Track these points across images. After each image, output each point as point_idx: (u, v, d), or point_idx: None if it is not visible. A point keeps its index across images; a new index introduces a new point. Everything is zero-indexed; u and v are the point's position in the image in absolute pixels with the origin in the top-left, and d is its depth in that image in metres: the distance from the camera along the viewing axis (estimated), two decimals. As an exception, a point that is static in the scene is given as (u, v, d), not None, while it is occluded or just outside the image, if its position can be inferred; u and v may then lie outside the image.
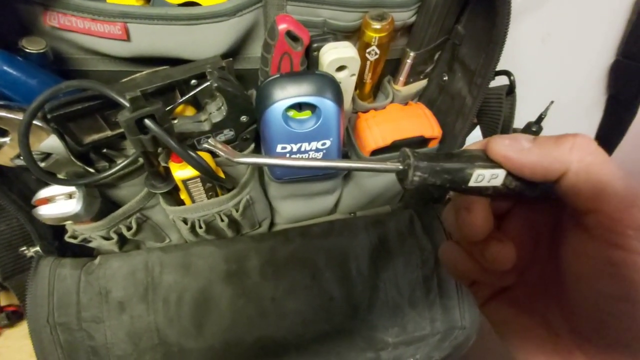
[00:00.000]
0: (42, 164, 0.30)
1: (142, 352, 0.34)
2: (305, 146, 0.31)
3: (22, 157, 0.28)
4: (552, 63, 0.50)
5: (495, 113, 0.33)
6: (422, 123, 0.37)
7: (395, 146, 0.37)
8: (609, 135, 0.53)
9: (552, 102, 0.51)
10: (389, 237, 0.40)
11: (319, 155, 0.32)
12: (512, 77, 0.32)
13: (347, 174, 0.42)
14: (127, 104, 0.23)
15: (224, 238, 0.41)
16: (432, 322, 0.40)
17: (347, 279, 0.38)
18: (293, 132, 0.30)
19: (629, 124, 0.51)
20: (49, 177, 0.28)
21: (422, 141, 0.39)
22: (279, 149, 0.31)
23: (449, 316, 0.40)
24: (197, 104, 0.33)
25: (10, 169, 0.31)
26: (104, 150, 0.32)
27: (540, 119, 0.54)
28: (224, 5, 0.27)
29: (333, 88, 0.30)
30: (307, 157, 0.32)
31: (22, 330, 0.43)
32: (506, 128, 0.34)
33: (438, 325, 0.40)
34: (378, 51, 0.31)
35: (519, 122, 0.38)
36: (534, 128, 0.55)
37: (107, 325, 0.34)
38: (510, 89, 0.33)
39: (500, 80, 0.34)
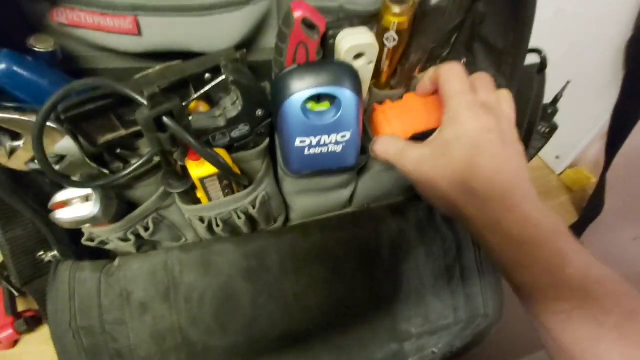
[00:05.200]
0: (56, 167, 0.29)
1: (166, 352, 0.34)
2: (324, 139, 0.30)
3: (36, 161, 0.27)
4: (566, 40, 0.49)
5: (525, 93, 0.32)
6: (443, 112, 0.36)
7: (415, 138, 0.36)
8: (627, 112, 0.52)
9: (568, 82, 0.50)
10: (408, 227, 0.39)
11: (339, 148, 0.32)
12: (542, 54, 0.31)
13: (364, 166, 0.41)
14: (145, 102, 0.22)
15: (241, 235, 0.41)
16: (455, 310, 0.39)
17: (368, 271, 0.38)
18: (312, 124, 0.29)
19: (646, 101, 0.50)
20: (66, 180, 0.27)
21: None
22: (297, 142, 0.30)
23: (471, 304, 0.40)
24: (208, 98, 0.32)
25: (24, 173, 0.30)
26: (118, 151, 0.31)
27: (555, 100, 0.52)
28: (238, -6, 0.26)
29: (353, 77, 0.29)
30: (326, 150, 0.31)
31: (41, 335, 0.43)
32: (536, 108, 0.32)
33: (461, 314, 0.39)
34: (396, 37, 0.30)
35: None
36: (549, 110, 0.53)
37: (130, 327, 0.33)
38: (542, 67, 0.32)
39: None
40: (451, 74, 0.29)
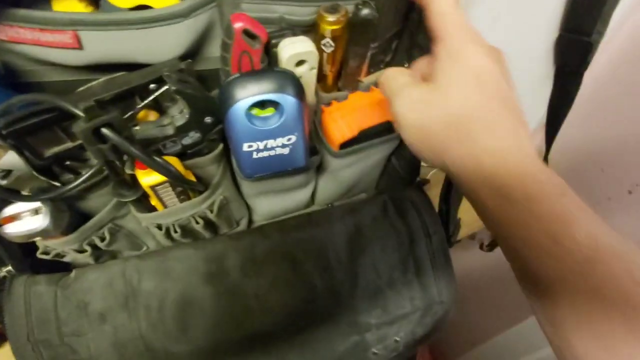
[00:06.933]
0: (4, 182, 0.29)
1: (129, 360, 0.34)
2: (271, 143, 0.32)
3: (-20, 177, 0.27)
4: (502, 43, 0.53)
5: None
6: (388, 107, 0.37)
7: (363, 136, 0.38)
8: (559, 104, 0.57)
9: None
10: (364, 224, 0.41)
11: (286, 150, 0.33)
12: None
13: (320, 166, 0.42)
14: (82, 114, 0.23)
15: (201, 240, 0.42)
16: (411, 300, 0.41)
17: (327, 268, 0.39)
18: (257, 129, 0.31)
19: (575, 93, 0.56)
20: (12, 195, 0.28)
21: (391, 126, 0.40)
22: (245, 147, 0.32)
23: (426, 293, 0.42)
24: (159, 108, 0.33)
25: (-31, 190, 0.30)
26: (67, 163, 0.32)
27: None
28: (178, 7, 0.27)
29: (293, 84, 0.30)
30: (273, 153, 0.33)
31: (8, 351, 0.42)
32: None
33: (417, 303, 0.42)
34: (333, 43, 0.32)
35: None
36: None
37: (89, 337, 0.33)
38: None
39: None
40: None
